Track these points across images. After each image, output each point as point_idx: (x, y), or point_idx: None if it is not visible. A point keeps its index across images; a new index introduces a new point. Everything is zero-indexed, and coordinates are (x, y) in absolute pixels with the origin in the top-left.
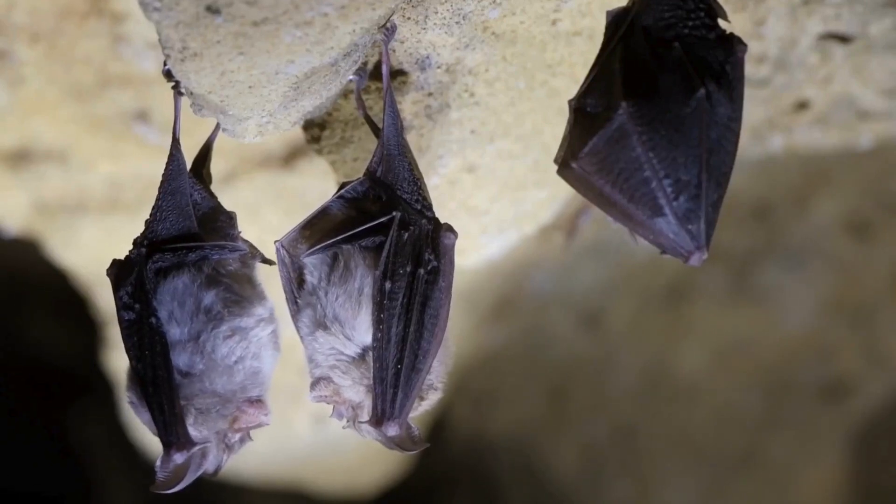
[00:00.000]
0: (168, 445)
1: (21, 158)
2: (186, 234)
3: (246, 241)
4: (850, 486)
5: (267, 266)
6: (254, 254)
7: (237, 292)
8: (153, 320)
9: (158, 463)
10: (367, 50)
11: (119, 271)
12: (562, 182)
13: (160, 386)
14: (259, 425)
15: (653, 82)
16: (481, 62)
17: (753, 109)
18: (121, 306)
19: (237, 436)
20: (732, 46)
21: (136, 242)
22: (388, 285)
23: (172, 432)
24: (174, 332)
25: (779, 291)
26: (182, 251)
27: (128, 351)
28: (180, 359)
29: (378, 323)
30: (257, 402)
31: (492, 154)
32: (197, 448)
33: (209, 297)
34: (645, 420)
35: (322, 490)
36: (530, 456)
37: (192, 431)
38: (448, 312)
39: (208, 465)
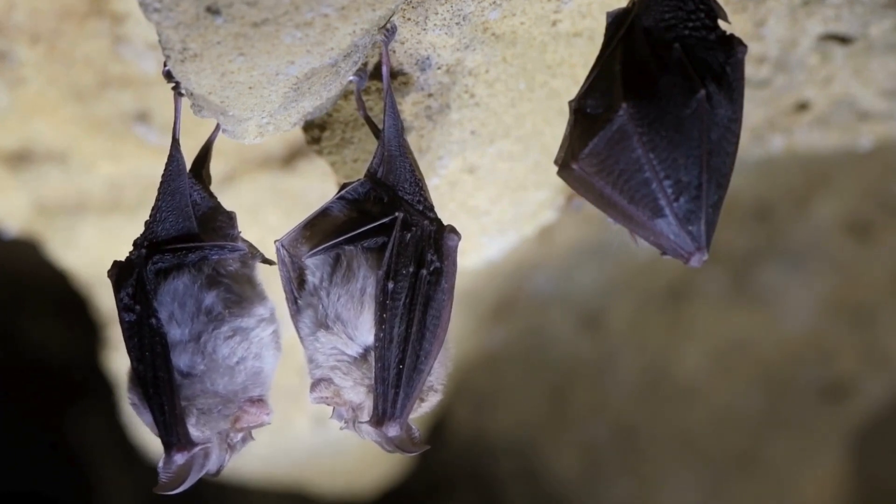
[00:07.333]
0: (169, 446)
1: (21, 159)
2: (186, 234)
3: (246, 241)
4: (850, 486)
5: (267, 266)
6: (254, 254)
7: (237, 293)
8: (153, 321)
9: (161, 464)
10: (367, 51)
11: (120, 272)
12: (562, 183)
13: (161, 387)
14: (261, 425)
15: (653, 83)
16: (481, 63)
17: (754, 110)
18: (121, 307)
19: (239, 435)
20: (733, 47)
21: (136, 243)
22: (390, 285)
23: (173, 433)
24: (175, 332)
25: (779, 292)
26: (182, 252)
27: (129, 352)
28: (181, 359)
29: (380, 323)
30: (259, 401)
31: (492, 155)
32: (198, 449)
33: (210, 298)
34: (645, 420)
35: (322, 491)
36: (530, 456)
37: (194, 432)
38: (450, 314)
39: (210, 465)
